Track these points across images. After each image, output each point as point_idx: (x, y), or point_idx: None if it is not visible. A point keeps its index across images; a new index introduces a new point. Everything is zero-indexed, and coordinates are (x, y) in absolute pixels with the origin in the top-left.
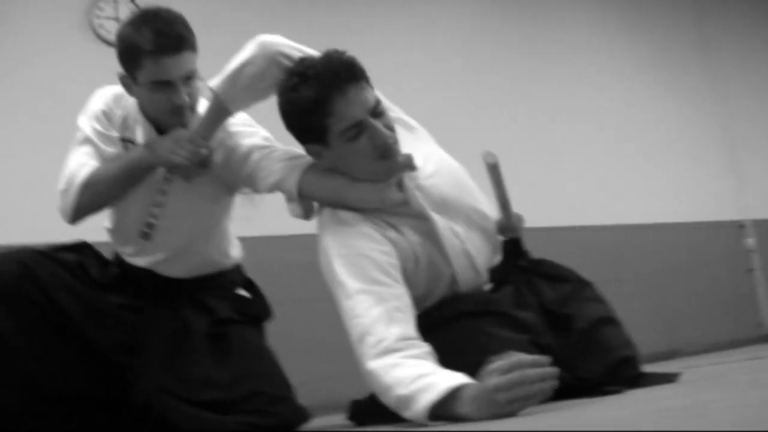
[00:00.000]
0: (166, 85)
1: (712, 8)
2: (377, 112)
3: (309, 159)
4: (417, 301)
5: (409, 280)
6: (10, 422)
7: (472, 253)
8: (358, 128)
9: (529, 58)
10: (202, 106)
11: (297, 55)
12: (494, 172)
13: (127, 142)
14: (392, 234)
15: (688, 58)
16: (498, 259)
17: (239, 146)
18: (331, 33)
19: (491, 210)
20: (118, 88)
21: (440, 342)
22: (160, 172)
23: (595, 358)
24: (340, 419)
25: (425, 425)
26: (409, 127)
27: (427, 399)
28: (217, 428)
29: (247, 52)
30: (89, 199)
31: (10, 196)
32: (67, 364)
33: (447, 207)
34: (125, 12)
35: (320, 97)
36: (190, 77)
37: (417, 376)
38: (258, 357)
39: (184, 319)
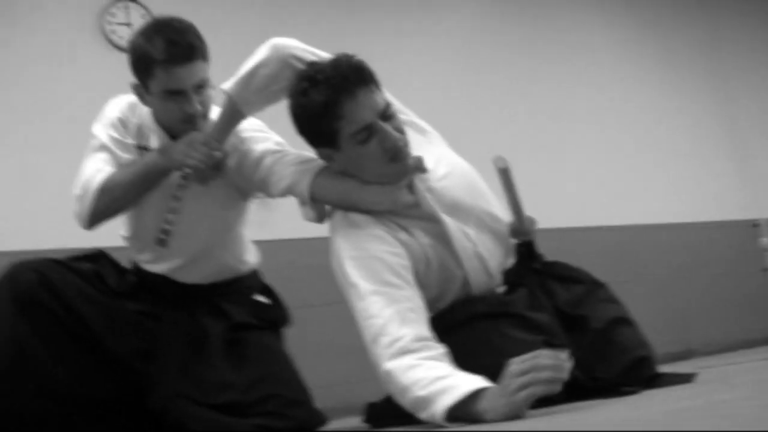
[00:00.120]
0: (178, 94)
1: (718, 7)
2: (387, 114)
3: (321, 162)
4: (429, 303)
5: (421, 282)
6: (28, 428)
7: (484, 255)
8: (368, 131)
9: (529, 58)
10: (214, 113)
11: (309, 57)
12: (505, 176)
13: (142, 149)
14: (403, 236)
15: (694, 58)
16: (511, 261)
17: (252, 151)
18: (331, 34)
19: (503, 213)
20: (133, 97)
21: (455, 344)
22: (174, 178)
23: (610, 358)
24: (356, 422)
25: (442, 427)
26: (420, 130)
27: (445, 401)
28: (233, 430)
29: (260, 54)
30: (105, 204)
31: (24, 201)
32: (84, 371)
33: (458, 209)
34: (137, 18)
35: (330, 101)
36: (201, 86)
37: (435, 378)
38: (275, 361)
39: (202, 325)
